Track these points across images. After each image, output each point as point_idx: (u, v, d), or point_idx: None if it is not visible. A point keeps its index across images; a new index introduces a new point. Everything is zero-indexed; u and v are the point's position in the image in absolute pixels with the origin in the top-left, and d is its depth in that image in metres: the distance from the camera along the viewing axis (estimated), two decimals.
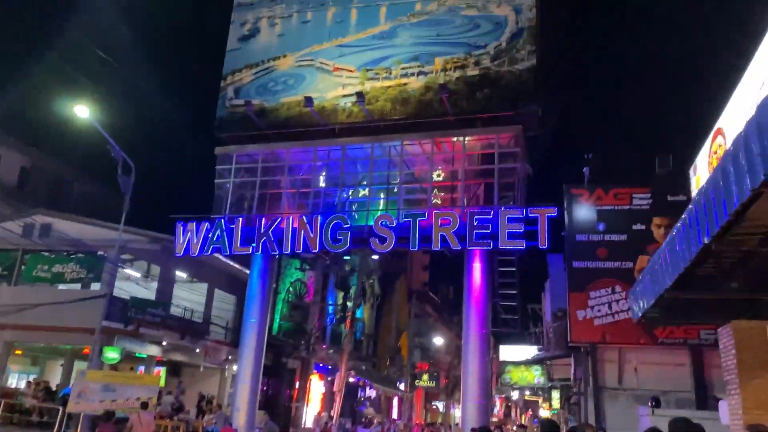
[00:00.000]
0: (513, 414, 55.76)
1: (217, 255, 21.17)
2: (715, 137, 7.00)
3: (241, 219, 17.29)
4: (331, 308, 32.41)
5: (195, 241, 17.41)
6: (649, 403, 10.84)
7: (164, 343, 20.29)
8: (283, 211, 17.56)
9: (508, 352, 37.28)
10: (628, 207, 14.71)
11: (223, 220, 17.37)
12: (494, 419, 31.51)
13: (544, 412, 43.24)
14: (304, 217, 16.58)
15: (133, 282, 22.62)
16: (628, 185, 14.98)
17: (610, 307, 14.06)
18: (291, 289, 28.68)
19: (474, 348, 15.35)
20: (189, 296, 23.04)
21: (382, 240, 15.87)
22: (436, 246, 15.46)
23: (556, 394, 27.11)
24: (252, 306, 17.78)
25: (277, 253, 17.15)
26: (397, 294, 44.09)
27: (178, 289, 23.14)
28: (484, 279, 15.77)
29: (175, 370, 24.77)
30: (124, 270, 22.08)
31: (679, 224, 4.54)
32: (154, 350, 20.32)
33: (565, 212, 14.94)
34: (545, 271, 18.07)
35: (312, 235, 16.37)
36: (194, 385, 24.39)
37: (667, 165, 14.75)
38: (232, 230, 17.19)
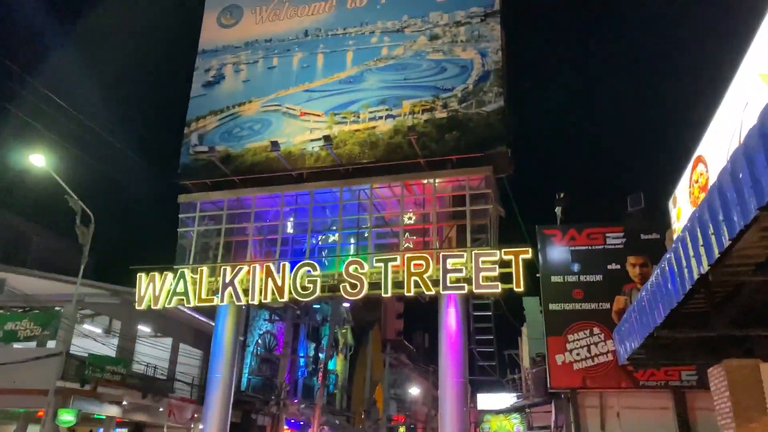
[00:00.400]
0: None
1: (180, 307, 20.38)
2: (695, 165, 6.78)
3: (204, 269, 16.61)
4: (302, 360, 31.37)
5: (156, 293, 16.63)
6: None
7: (124, 403, 19.09)
8: (250, 259, 16.93)
9: (486, 400, 36.40)
10: (602, 246, 14.51)
11: (185, 271, 16.66)
12: None
13: None
14: (271, 265, 15.99)
15: (92, 339, 21.50)
16: (600, 224, 14.82)
17: (589, 350, 13.65)
18: (260, 341, 27.70)
19: (451, 397, 14.70)
20: (153, 352, 21.95)
21: (353, 286, 15.33)
22: (409, 291, 14.97)
23: None
24: (217, 360, 16.89)
25: (243, 304, 16.41)
26: (371, 344, 43.12)
27: (141, 344, 22.07)
28: (459, 325, 15.28)
29: (137, 431, 23.40)
30: (84, 326, 21.02)
31: (669, 255, 4.19)
32: (113, 411, 19.08)
33: (539, 253, 14.66)
34: (521, 315, 17.69)
35: (279, 284, 15.76)
36: None
37: (639, 203, 14.67)
38: (196, 280, 16.48)
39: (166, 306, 16.63)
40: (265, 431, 26.04)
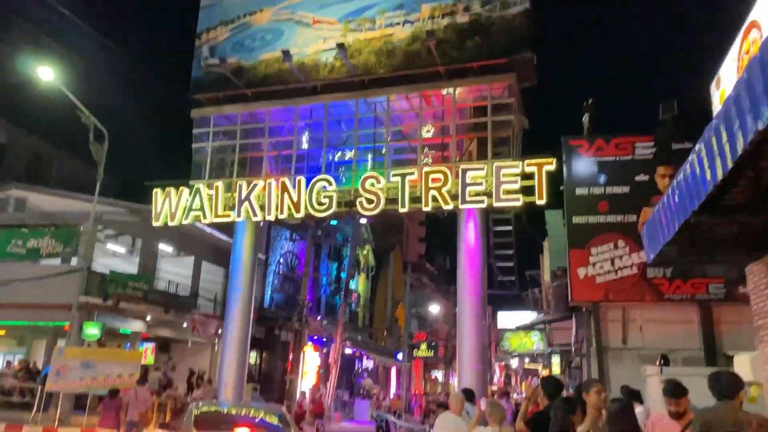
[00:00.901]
0: (513, 382, 55.59)
1: (200, 225, 20.35)
2: (747, 32, 5.99)
3: (220, 184, 16.35)
4: (324, 279, 31.68)
5: (173, 209, 16.51)
6: (658, 362, 10.06)
7: (148, 319, 19.50)
8: (265, 174, 16.60)
9: (506, 318, 36.77)
10: (630, 157, 13.77)
11: (201, 187, 16.42)
12: (494, 388, 30.99)
13: None
14: (287, 180, 15.66)
15: (118, 258, 21.76)
16: (629, 134, 14.03)
17: (612, 264, 13.22)
18: (281, 260, 27.89)
19: (469, 311, 14.56)
20: (176, 270, 22.21)
21: (370, 202, 14.98)
22: (426, 206, 14.60)
23: (556, 360, 26.49)
24: (237, 276, 16.93)
25: (259, 219, 16.21)
26: (392, 265, 43.43)
27: (165, 263, 22.32)
28: (478, 239, 14.92)
29: (164, 346, 24.09)
30: (107, 246, 21.24)
31: (716, 122, 3.61)
32: (138, 326, 19.53)
33: (564, 165, 13.98)
34: (543, 230, 17.20)
35: (295, 199, 15.48)
36: (184, 360, 23.74)
37: (672, 110, 13.77)
38: (212, 196, 16.28)
39: (183, 222, 16.54)
40: (289, 346, 26.61)
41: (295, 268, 28.69)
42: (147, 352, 22.71)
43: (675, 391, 4.70)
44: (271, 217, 15.92)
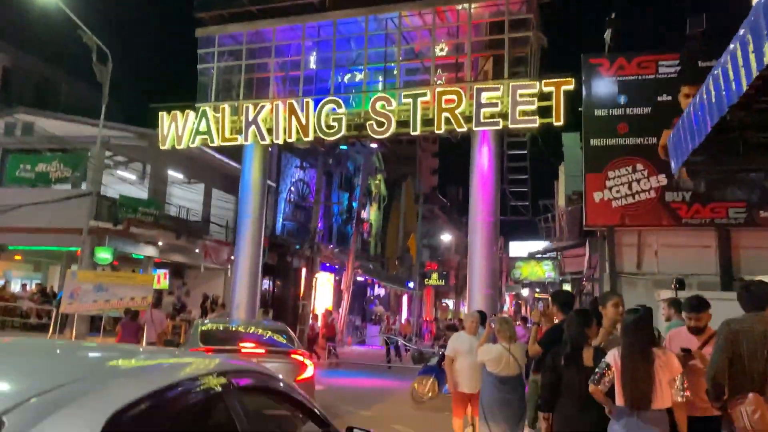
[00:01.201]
0: (523, 311, 56.29)
1: (209, 151, 20.09)
2: None
3: (226, 107, 15.92)
4: (335, 207, 31.59)
5: (179, 132, 16.18)
6: (673, 285, 9.83)
7: (160, 244, 19.56)
8: (272, 96, 16.11)
9: (518, 247, 36.76)
10: (653, 76, 13.12)
11: (207, 109, 16.01)
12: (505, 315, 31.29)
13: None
14: (294, 102, 15.18)
15: (129, 185, 21.65)
16: (653, 52, 13.31)
17: (630, 187, 12.84)
18: (292, 189, 27.72)
19: (481, 236, 14.33)
20: (187, 196, 22.12)
21: (380, 125, 14.53)
22: (439, 129, 14.14)
23: (567, 288, 26.56)
24: (246, 201, 16.76)
25: (267, 143, 15.85)
26: (404, 196, 43.24)
27: (176, 189, 22.22)
28: (492, 164, 14.50)
29: (178, 272, 24.37)
30: (118, 172, 21.09)
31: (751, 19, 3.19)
32: (150, 251, 19.62)
33: (583, 85, 13.39)
34: (558, 154, 16.72)
35: (303, 122, 15.05)
36: (198, 286, 24.06)
37: (700, 26, 12.97)
38: (218, 119, 15.89)
39: (190, 146, 16.24)
40: (301, 273, 26.83)
41: (306, 196, 28.55)
42: (161, 278, 23.05)
43: (697, 305, 4.47)
44: (279, 141, 15.57)
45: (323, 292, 29.04)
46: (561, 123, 13.24)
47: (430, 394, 11.01)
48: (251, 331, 7.43)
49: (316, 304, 26.63)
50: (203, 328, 7.35)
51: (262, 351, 6.71)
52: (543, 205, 24.38)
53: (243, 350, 6.63)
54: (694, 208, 12.47)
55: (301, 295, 26.40)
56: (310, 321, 22.79)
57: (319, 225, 28.04)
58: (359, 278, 30.97)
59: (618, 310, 4.41)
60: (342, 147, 20.50)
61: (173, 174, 21.76)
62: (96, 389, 1.49)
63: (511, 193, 15.34)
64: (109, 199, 18.33)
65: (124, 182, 21.28)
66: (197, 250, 21.09)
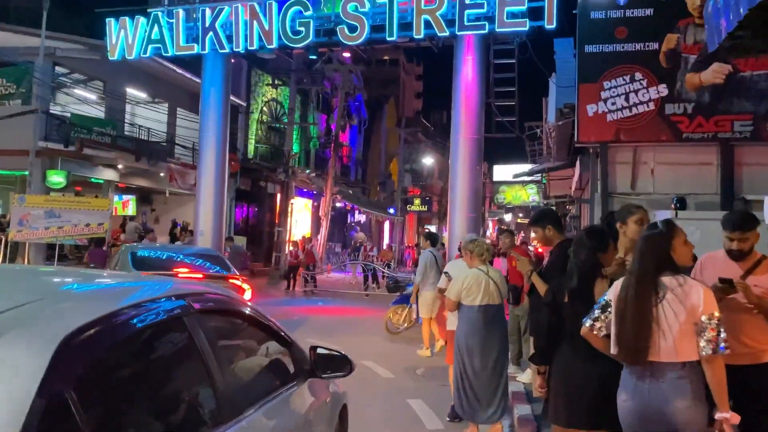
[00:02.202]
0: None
1: (172, 66, 18.55)
2: None
3: (181, 11, 14.23)
4: (313, 130, 30.12)
5: (130, 41, 14.53)
6: (673, 205, 8.86)
7: (120, 167, 18.20)
8: None
9: (502, 171, 35.72)
10: None
11: (160, 14, 14.31)
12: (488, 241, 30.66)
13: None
14: (256, 5, 13.54)
15: (89, 105, 19.93)
16: None
17: (627, 99, 11.63)
18: (265, 109, 26.11)
19: (464, 155, 13.20)
20: (151, 116, 20.52)
21: (353, 29, 13.03)
22: (419, 33, 12.71)
23: None
24: (208, 117, 15.31)
25: (227, 51, 14.26)
26: (385, 119, 41.68)
27: (139, 109, 20.60)
28: (477, 75, 13.17)
29: (146, 197, 23.15)
30: (74, 92, 19.37)
31: None
32: (109, 174, 18.27)
33: None
34: (550, 64, 15.36)
35: (267, 28, 13.48)
36: (168, 212, 22.96)
37: None
38: (173, 25, 14.23)
39: (142, 56, 14.64)
40: (276, 198, 25.70)
41: (280, 117, 26.99)
42: (127, 204, 21.82)
43: (741, 222, 3.34)
44: (239, 49, 14.01)
45: (300, 219, 28.03)
46: (553, 26, 11.90)
47: (405, 324, 10.20)
48: (184, 257, 6.48)
49: (293, 231, 25.67)
50: (135, 252, 6.35)
51: (200, 276, 5.88)
52: (529, 127, 23.17)
53: (180, 275, 5.74)
54: (696, 121, 11.35)
55: (277, 221, 25.39)
56: (291, 248, 21.85)
57: (295, 148, 26.67)
58: (339, 204, 29.94)
59: (641, 229, 3.28)
60: (311, 56, 18.83)
61: (135, 93, 20.10)
62: (48, 312, 1.50)
63: (497, 107, 14.10)
64: (59, 118, 16.79)
65: (84, 103, 19.61)
66: (162, 174, 19.76)
